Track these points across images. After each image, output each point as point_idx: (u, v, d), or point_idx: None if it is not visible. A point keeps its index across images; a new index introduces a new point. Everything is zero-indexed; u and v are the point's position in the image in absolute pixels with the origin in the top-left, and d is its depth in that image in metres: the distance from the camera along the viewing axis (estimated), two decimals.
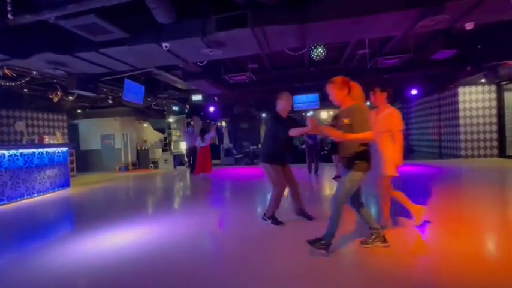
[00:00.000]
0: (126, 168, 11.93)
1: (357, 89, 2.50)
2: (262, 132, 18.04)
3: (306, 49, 6.50)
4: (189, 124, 9.17)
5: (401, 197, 3.05)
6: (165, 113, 12.65)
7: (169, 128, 12.70)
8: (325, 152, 11.81)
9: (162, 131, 14.02)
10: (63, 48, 4.68)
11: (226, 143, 16.16)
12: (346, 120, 2.38)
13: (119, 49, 4.62)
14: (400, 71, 7.94)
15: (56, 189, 6.73)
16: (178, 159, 12.26)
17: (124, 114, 12.32)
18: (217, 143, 14.75)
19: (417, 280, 2.11)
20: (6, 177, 5.46)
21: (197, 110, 13.06)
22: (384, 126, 2.91)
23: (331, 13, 3.95)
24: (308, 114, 14.41)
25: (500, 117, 9.54)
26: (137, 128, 13.72)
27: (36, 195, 6.11)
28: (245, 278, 2.25)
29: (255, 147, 15.13)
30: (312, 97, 10.17)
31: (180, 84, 8.71)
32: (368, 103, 3.04)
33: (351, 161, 2.41)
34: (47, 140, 7.48)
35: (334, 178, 6.55)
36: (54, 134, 9.77)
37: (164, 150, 12.58)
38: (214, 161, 7.96)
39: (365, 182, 2.47)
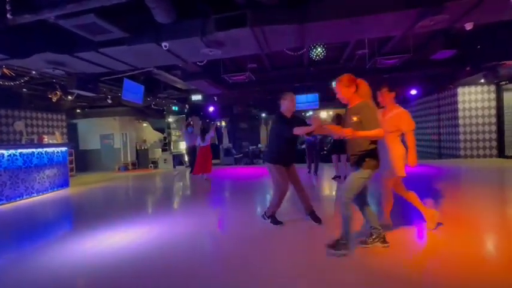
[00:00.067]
0: (126, 168, 11.91)
1: (364, 86, 2.49)
2: (262, 132, 18.07)
3: (305, 49, 6.51)
4: (188, 124, 9.16)
5: (413, 198, 2.99)
6: (164, 112, 12.64)
7: (169, 127, 12.69)
8: (325, 151, 11.82)
9: (161, 130, 14.01)
10: (63, 48, 4.68)
11: (226, 142, 16.16)
12: (355, 118, 2.37)
13: (119, 49, 4.62)
14: (399, 71, 7.96)
15: (55, 189, 6.72)
16: (177, 159, 12.25)
17: (123, 114, 12.31)
18: (216, 142, 14.74)
19: (417, 280, 2.12)
20: (5, 177, 5.45)
21: (197, 110, 13.06)
22: (392, 127, 2.87)
23: (331, 13, 3.96)
24: (308, 114, 14.42)
25: (499, 118, 9.56)
26: (136, 127, 13.71)
27: (35, 195, 6.10)
28: (245, 278, 2.25)
29: (254, 147, 15.14)
30: (312, 97, 10.17)
31: (180, 84, 8.71)
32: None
33: (361, 159, 2.41)
34: (46, 139, 7.46)
35: (334, 178, 6.55)
36: (53, 133, 9.75)
37: (164, 150, 12.57)
38: (213, 161, 7.94)
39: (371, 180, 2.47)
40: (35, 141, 8.29)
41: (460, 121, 9.82)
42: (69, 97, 8.47)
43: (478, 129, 9.74)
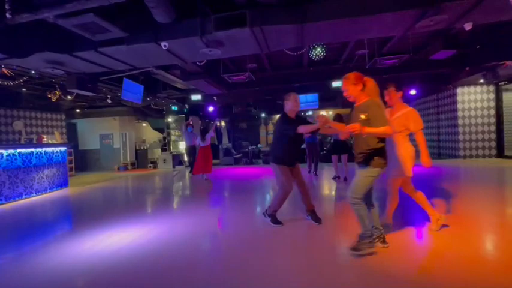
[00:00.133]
0: (125, 168, 11.91)
1: (371, 84, 2.48)
2: (262, 132, 18.06)
3: (305, 49, 6.51)
4: (188, 124, 9.15)
5: (422, 198, 2.96)
6: (164, 112, 12.63)
7: (168, 127, 12.68)
8: (325, 151, 11.83)
9: (161, 130, 14.00)
10: (62, 48, 4.67)
11: (225, 142, 16.15)
12: (362, 116, 2.34)
13: (118, 48, 4.61)
14: (399, 71, 7.96)
15: (55, 189, 6.71)
16: (177, 159, 12.24)
17: (123, 114, 12.30)
18: (216, 142, 14.74)
19: (416, 281, 2.11)
20: (4, 177, 5.44)
21: (196, 110, 13.04)
22: (400, 126, 2.83)
23: (330, 13, 3.96)
24: (307, 114, 14.42)
25: (498, 118, 9.57)
26: (136, 127, 13.70)
27: (34, 194, 6.08)
28: (244, 278, 2.25)
29: (254, 147, 15.14)
30: (311, 97, 10.17)
31: (179, 83, 8.70)
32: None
33: (369, 157, 2.39)
34: (45, 139, 7.45)
35: (334, 178, 6.55)
36: (52, 133, 9.74)
37: (163, 150, 12.56)
38: (213, 161, 7.94)
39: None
40: (34, 141, 8.28)
41: (460, 121, 9.84)
42: (69, 97, 8.46)
43: (477, 130, 9.76)
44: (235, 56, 5.83)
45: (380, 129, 2.26)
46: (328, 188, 6.05)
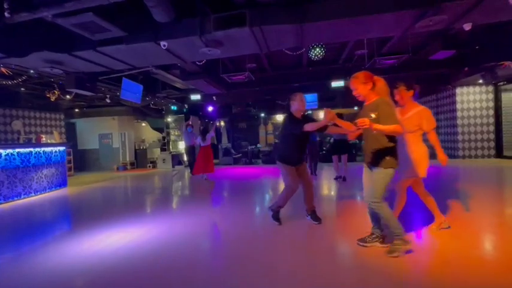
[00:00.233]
0: (124, 168, 11.89)
1: (381, 83, 2.46)
2: (261, 132, 18.07)
3: (304, 49, 6.50)
4: (188, 125, 9.14)
5: (431, 202, 2.94)
6: (163, 112, 12.61)
7: (168, 127, 12.66)
8: (324, 151, 11.84)
9: (160, 130, 13.98)
10: (61, 47, 4.65)
11: (225, 142, 16.15)
12: (373, 115, 2.31)
13: (117, 48, 4.60)
14: (398, 71, 7.97)
15: (53, 189, 6.70)
16: (176, 159, 12.23)
17: (122, 114, 12.28)
18: (215, 142, 14.73)
19: (417, 281, 2.11)
20: (2, 177, 5.42)
21: (196, 110, 13.03)
22: (413, 126, 2.75)
23: (330, 13, 3.96)
24: (307, 114, 14.41)
25: (497, 118, 9.59)
26: (135, 127, 13.68)
27: (33, 194, 6.07)
28: (244, 278, 2.24)
29: (253, 146, 15.14)
30: (311, 97, 10.17)
31: (179, 83, 8.69)
32: None
33: (380, 157, 2.35)
34: (44, 139, 7.43)
35: (336, 179, 6.53)
36: (51, 133, 9.72)
37: (162, 150, 12.55)
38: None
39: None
40: (33, 141, 8.26)
41: (459, 121, 9.86)
42: (68, 96, 8.43)
43: (476, 130, 9.78)
44: (235, 55, 5.82)
45: (390, 127, 2.23)
46: (328, 188, 6.05)
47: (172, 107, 11.91)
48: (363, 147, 2.58)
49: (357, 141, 13.12)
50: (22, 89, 8.09)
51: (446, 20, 4.03)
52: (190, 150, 9.06)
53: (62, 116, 11.27)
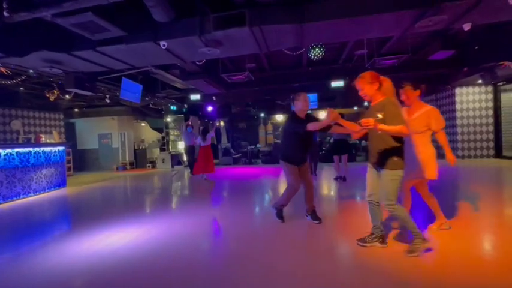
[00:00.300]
0: (124, 168, 11.88)
1: (387, 84, 2.45)
2: (261, 132, 18.06)
3: (304, 49, 6.50)
4: (188, 125, 9.14)
5: (434, 204, 2.93)
6: (163, 112, 12.60)
7: (167, 127, 12.65)
8: (324, 151, 11.84)
9: (160, 130, 13.97)
10: (60, 47, 4.64)
11: (224, 142, 16.14)
12: (379, 115, 2.30)
13: (117, 47, 4.59)
14: (397, 71, 7.97)
15: (53, 189, 6.68)
16: (176, 159, 12.22)
17: (121, 113, 12.26)
18: (215, 142, 14.72)
19: (417, 281, 2.11)
20: (1, 177, 5.41)
21: (195, 110, 13.02)
22: (422, 126, 2.70)
23: (330, 13, 3.95)
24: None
25: (496, 118, 9.60)
26: (135, 127, 13.66)
27: (32, 194, 6.06)
28: (244, 278, 2.24)
29: (253, 146, 15.13)
30: (311, 97, 10.14)
31: (178, 83, 8.68)
32: None
33: (386, 157, 2.34)
34: (43, 138, 7.43)
35: (336, 179, 6.52)
36: (50, 132, 9.71)
37: (162, 150, 12.54)
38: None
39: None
40: (32, 141, 8.25)
41: (458, 121, 9.87)
42: (67, 96, 8.42)
43: (475, 130, 9.79)
44: (234, 55, 5.81)
45: (396, 128, 2.22)
46: (327, 188, 6.05)
47: (171, 107, 11.90)
48: (368, 147, 2.55)
49: (357, 142, 13.15)
50: (21, 88, 8.07)
51: (446, 20, 4.04)
52: (190, 150, 9.06)
53: (61, 116, 11.25)
